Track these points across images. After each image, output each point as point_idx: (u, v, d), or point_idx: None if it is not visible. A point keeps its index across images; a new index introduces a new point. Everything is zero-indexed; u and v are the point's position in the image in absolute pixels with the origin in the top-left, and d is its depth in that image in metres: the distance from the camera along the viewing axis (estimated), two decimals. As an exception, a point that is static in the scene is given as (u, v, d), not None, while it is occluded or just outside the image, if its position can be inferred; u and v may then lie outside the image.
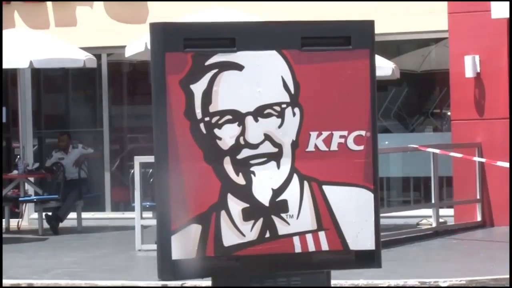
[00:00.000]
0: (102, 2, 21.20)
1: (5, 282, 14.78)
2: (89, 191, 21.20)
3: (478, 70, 18.81)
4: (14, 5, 21.68)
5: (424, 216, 18.87)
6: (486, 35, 18.71)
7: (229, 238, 10.12)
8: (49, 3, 21.54)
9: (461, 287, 13.69)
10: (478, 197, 18.92)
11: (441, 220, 18.63)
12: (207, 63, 10.05)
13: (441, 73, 19.66)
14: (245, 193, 10.11)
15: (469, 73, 18.82)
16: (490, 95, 18.85)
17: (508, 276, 13.78)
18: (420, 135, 20.11)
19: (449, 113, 19.45)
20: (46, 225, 20.42)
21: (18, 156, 21.87)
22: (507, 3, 18.20)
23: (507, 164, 18.02)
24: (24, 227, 21.27)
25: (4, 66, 20.17)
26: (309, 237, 10.23)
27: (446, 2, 19.03)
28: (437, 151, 18.34)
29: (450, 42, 19.15)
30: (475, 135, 18.86)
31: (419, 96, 20.76)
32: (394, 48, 19.56)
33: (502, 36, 18.71)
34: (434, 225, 18.46)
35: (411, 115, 20.59)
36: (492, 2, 18.28)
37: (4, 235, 20.31)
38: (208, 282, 11.13)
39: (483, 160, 18.60)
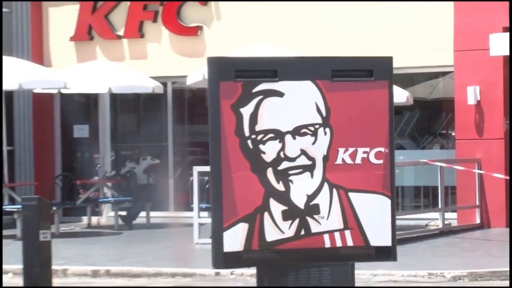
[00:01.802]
0: (168, 39, 21.23)
1: (86, 268, 14.82)
2: (156, 194, 21.22)
3: (478, 99, 18.72)
4: (96, 41, 21.73)
5: (432, 218, 18.77)
6: (485, 69, 18.62)
7: (271, 234, 10.08)
8: (124, 40, 21.58)
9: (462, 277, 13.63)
10: (477, 203, 18.81)
11: (446, 222, 18.54)
12: (254, 90, 10.01)
13: (447, 100, 19.56)
14: (284, 197, 10.07)
15: (471, 101, 18.74)
16: (488, 119, 18.76)
17: (503, 269, 13.68)
18: (429, 151, 20.02)
19: (453, 134, 19.36)
20: (120, 222, 20.48)
21: (98, 165, 21.91)
22: (505, 43, 18.10)
23: (502, 176, 17.98)
24: (102, 224, 21.33)
25: (88, 91, 20.22)
26: (337, 234, 10.17)
27: (452, 41, 18.94)
28: (443, 164, 18.31)
29: (455, 75, 19.06)
30: (475, 152, 18.77)
31: (428, 119, 20.65)
32: (408, 79, 19.46)
33: (498, 70, 18.63)
34: (440, 226, 18.39)
35: (422, 135, 20.50)
36: (490, 42, 18.20)
37: (85, 230, 20.37)
38: (253, 270, 11.11)
39: (482, 172, 18.53)
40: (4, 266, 14.86)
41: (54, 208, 19.10)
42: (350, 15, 19.87)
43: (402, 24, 19.47)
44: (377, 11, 19.70)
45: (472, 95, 18.71)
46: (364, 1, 19.70)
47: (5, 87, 19.02)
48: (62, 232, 19.33)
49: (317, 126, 10.04)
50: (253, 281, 10.94)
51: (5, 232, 19.12)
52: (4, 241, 18.32)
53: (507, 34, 18.22)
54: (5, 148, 20.67)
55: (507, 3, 18.36)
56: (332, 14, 19.98)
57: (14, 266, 14.41)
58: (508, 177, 17.94)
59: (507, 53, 18.22)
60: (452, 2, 18.97)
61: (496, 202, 18.70)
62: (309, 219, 10.02)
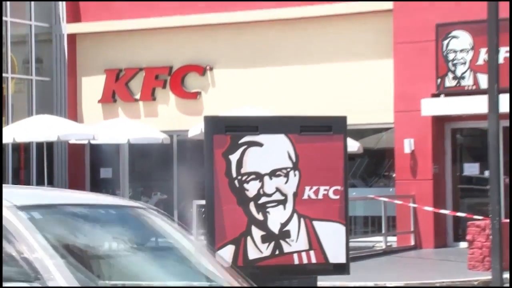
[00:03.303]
0: (174, 101, 21.23)
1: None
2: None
3: (413, 148, 18.74)
4: (119, 103, 21.72)
5: (377, 241, 18.72)
6: (418, 126, 18.65)
7: (252, 254, 10.01)
8: (140, 102, 21.57)
9: (401, 287, 13.56)
10: (412, 229, 18.77)
11: (388, 244, 18.51)
12: (240, 141, 10.00)
13: (389, 149, 19.57)
14: (263, 225, 10.02)
15: (407, 150, 18.75)
16: (420, 164, 18.78)
17: (432, 281, 13.62)
18: (375, 189, 19.98)
19: (394, 175, 19.35)
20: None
21: (119, 199, 21.84)
22: (433, 106, 18.12)
23: (430, 208, 17.97)
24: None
25: (111, 142, 20.16)
26: (303, 254, 10.11)
27: (392, 104, 18.97)
28: (386, 199, 18.29)
29: (395, 130, 19.08)
30: (411, 190, 18.75)
31: (375, 164, 20.65)
32: (359, 133, 19.48)
33: (428, 127, 18.67)
34: (383, 247, 18.34)
35: (369, 176, 20.49)
36: (422, 105, 18.24)
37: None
38: (238, 282, 11.05)
39: (415, 205, 18.52)
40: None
41: (84, 232, 18.98)
42: (316, 84, 19.93)
43: (355, 91, 19.53)
44: (336, 81, 19.77)
45: (408, 146, 18.73)
46: (326, 75, 19.78)
47: (47, 138, 18.97)
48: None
49: (288, 169, 10.04)
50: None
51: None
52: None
53: (435, 99, 18.30)
54: (46, 186, 20.58)
55: (435, 74, 18.43)
56: (301, 82, 20.03)
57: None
58: (436, 210, 17.93)
59: (435, 113, 18.28)
60: (392, 74, 19.05)
61: (426, 229, 18.69)
62: (282, 242, 9.98)
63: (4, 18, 21.05)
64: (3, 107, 21.11)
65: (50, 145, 20.98)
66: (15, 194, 4.61)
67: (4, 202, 4.27)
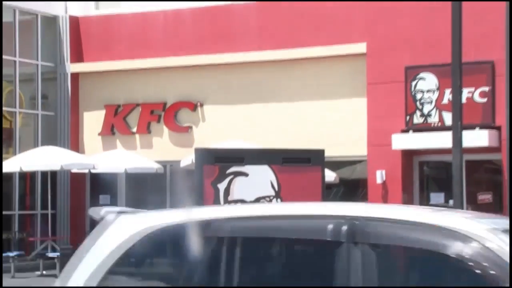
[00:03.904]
0: (167, 134, 21.20)
1: None
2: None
3: (384, 179, 18.74)
4: (117, 136, 21.67)
5: (352, 263, 18.68)
6: (389, 158, 18.66)
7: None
8: (137, 135, 21.53)
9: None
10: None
11: (362, 266, 18.44)
12: (227, 171, 9.97)
13: (363, 180, 19.56)
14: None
15: (379, 180, 18.76)
16: (391, 193, 18.74)
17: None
18: (350, 215, 19.96)
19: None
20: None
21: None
22: (402, 141, 18.14)
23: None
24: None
25: (110, 171, 20.08)
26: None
27: (366, 139, 18.98)
28: (360, 225, 18.27)
29: (368, 162, 19.09)
30: (383, 216, 18.74)
31: (350, 193, 20.61)
32: (335, 164, 19.46)
33: (398, 160, 18.67)
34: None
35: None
36: (392, 140, 18.25)
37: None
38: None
39: (387, 231, 18.50)
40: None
41: (84, 254, 18.85)
42: (297, 119, 19.94)
43: (332, 126, 19.54)
44: (315, 117, 19.79)
45: (379, 176, 18.73)
46: (306, 111, 19.81)
47: (51, 168, 18.94)
48: (89, 271, 19.06)
49: (271, 197, 10.01)
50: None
51: (46, 272, 18.83)
52: (46, 279, 18.04)
53: (405, 135, 18.33)
54: (50, 212, 20.51)
55: (404, 112, 18.47)
56: (283, 117, 20.04)
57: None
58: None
59: (404, 147, 18.31)
60: (365, 111, 19.09)
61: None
62: (265, 264, 9.95)
63: (13, 58, 21.04)
64: (11, 139, 21.05)
65: (53, 173, 20.89)
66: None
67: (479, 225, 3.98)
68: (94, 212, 4.54)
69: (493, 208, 18.51)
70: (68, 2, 22.15)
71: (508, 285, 3.75)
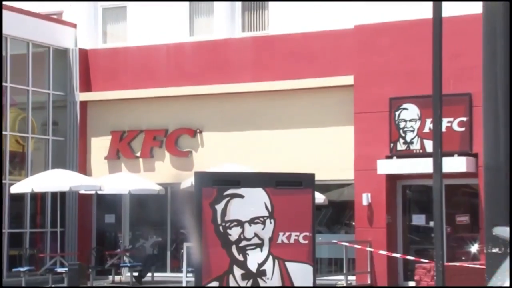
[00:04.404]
0: (169, 159, 21.19)
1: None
2: (158, 261, 20.94)
3: (370, 201, 18.72)
4: (122, 160, 21.65)
5: (339, 279, 18.60)
6: (374, 182, 18.66)
7: (233, 290, 9.90)
8: (140, 159, 21.51)
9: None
10: (368, 269, 18.67)
11: (348, 282, 18.37)
12: (224, 193, 9.95)
13: (350, 202, 19.56)
14: (243, 265, 9.94)
15: (365, 202, 18.73)
16: (376, 215, 18.75)
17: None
18: (338, 235, 19.92)
19: (354, 224, 19.31)
20: (134, 280, 20.11)
21: (120, 241, 21.65)
22: (387, 166, 18.14)
23: (385, 252, 17.88)
24: (122, 281, 20.94)
25: (115, 192, 20.04)
26: (277, 290, 10.02)
27: (353, 164, 18.98)
28: (347, 244, 18.19)
29: (355, 186, 19.09)
30: (368, 236, 18.70)
31: (338, 213, 20.62)
32: (325, 187, 19.49)
33: (382, 183, 18.66)
34: (345, 285, 18.21)
35: (333, 224, 20.44)
36: (378, 165, 18.26)
37: (111, 285, 19.98)
38: (221, 313, 10.89)
39: (372, 250, 18.43)
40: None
41: (90, 270, 18.78)
42: (289, 145, 19.96)
43: (321, 152, 19.58)
44: (306, 143, 19.82)
45: (365, 199, 18.72)
46: (298, 138, 19.83)
47: (60, 189, 18.89)
48: (95, 286, 18.97)
49: (265, 218, 9.98)
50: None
51: (55, 286, 18.72)
52: (56, 292, 17.95)
53: (389, 160, 18.34)
54: (59, 230, 20.44)
55: (388, 139, 18.50)
56: (277, 143, 20.07)
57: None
58: (389, 253, 17.85)
59: (388, 172, 18.31)
60: (352, 138, 19.11)
61: (381, 269, 18.57)
62: (259, 279, 9.89)
63: (26, 87, 21.07)
64: (23, 163, 21.03)
65: (62, 194, 20.85)
66: None
67: None
68: (500, 231, 4.48)
69: (470, 229, 18.53)
70: (78, 36, 22.22)
71: None
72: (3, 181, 20.04)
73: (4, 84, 20.39)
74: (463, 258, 17.79)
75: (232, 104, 20.56)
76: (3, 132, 20.33)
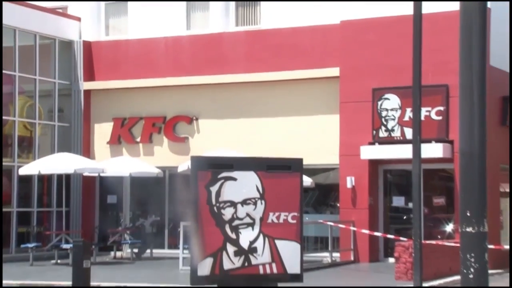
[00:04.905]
0: (167, 144, 21.20)
1: (111, 284, 14.49)
2: (156, 239, 20.97)
3: (353, 184, 18.78)
4: (123, 144, 21.64)
5: (325, 256, 18.69)
6: (358, 167, 18.73)
7: (227, 265, 9.95)
8: (140, 144, 21.51)
9: (343, 294, 13.52)
10: (352, 247, 18.77)
11: (333, 259, 18.47)
12: (219, 176, 9.98)
13: (335, 184, 19.62)
14: (235, 242, 9.98)
15: (349, 185, 18.80)
16: (359, 197, 18.82)
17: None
18: (324, 215, 20.00)
19: (338, 205, 19.39)
20: (134, 256, 20.16)
21: (122, 220, 21.67)
22: (369, 152, 18.20)
23: (367, 231, 17.97)
24: (123, 257, 21.00)
25: (116, 174, 20.06)
26: (267, 266, 10.08)
27: (338, 149, 19.03)
28: (332, 223, 18.27)
29: (340, 169, 19.15)
30: (351, 216, 18.79)
31: (324, 195, 20.70)
32: (312, 171, 19.57)
33: (365, 168, 18.73)
34: (330, 261, 18.31)
35: (320, 205, 20.50)
36: (361, 151, 18.30)
37: (112, 260, 20.04)
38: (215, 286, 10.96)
39: (355, 229, 18.53)
40: (59, 282, 14.55)
41: (93, 246, 18.82)
42: (279, 132, 20.00)
43: (309, 138, 19.63)
44: (295, 131, 19.85)
45: (349, 182, 18.78)
46: (287, 125, 19.85)
47: (65, 171, 18.88)
48: (97, 262, 19.03)
49: (257, 199, 10.03)
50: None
51: (61, 261, 18.78)
52: (60, 267, 17.99)
53: (371, 146, 18.39)
54: (64, 209, 20.46)
55: (371, 127, 18.55)
56: (268, 130, 20.10)
57: (66, 282, 14.15)
58: (370, 232, 17.94)
59: (371, 157, 18.36)
60: (338, 126, 19.16)
61: (363, 247, 18.67)
62: (250, 256, 9.94)
63: (33, 76, 21.02)
64: (31, 147, 21.01)
65: (68, 176, 20.86)
66: None
67: None
68: None
69: (446, 210, 18.63)
70: (82, 29, 22.16)
71: None
72: (12, 164, 20.07)
73: (13, 73, 20.35)
74: (439, 236, 17.91)
75: (226, 94, 20.57)
76: (12, 118, 20.32)
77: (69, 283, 12.66)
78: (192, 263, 9.87)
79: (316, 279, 15.04)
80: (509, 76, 18.59)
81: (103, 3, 22.38)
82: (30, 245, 19.08)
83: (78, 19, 22.15)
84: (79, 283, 11.59)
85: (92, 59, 22.07)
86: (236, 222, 9.97)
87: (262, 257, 10.15)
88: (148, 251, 20.50)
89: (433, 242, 15.98)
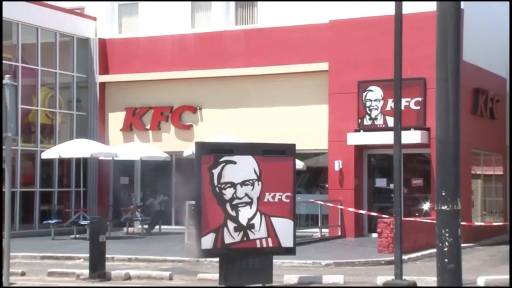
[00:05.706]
0: (174, 131, 21.16)
1: (124, 256, 14.49)
2: (165, 216, 20.99)
3: (341, 167, 18.78)
4: (134, 131, 21.60)
5: (315, 232, 18.70)
6: (345, 152, 18.72)
7: (228, 239, 9.99)
8: (150, 131, 21.48)
9: (331, 264, 13.55)
10: (339, 223, 18.77)
11: (322, 234, 18.48)
12: (220, 160, 10.01)
13: (324, 167, 19.62)
14: (235, 219, 10.01)
15: (337, 168, 18.79)
16: (346, 178, 18.81)
17: (351, 260, 13.59)
18: (314, 195, 19.98)
19: (327, 186, 19.39)
20: (144, 231, 20.16)
21: (133, 199, 21.68)
22: (355, 138, 18.17)
23: (352, 209, 17.98)
24: (135, 232, 21.00)
25: (128, 158, 20.02)
26: (264, 240, 10.11)
27: (327, 136, 18.99)
28: (321, 202, 18.29)
29: (328, 154, 19.14)
30: (339, 196, 18.79)
31: (314, 177, 20.66)
32: (304, 155, 19.55)
33: (351, 152, 18.70)
34: (319, 236, 18.32)
35: (310, 186, 20.48)
36: (348, 137, 18.27)
37: (125, 235, 20.06)
38: (217, 259, 10.98)
39: (342, 207, 18.54)
40: (78, 254, 14.57)
41: (108, 223, 18.83)
42: (275, 121, 19.97)
43: (301, 126, 19.60)
44: (288, 119, 19.82)
45: (337, 165, 18.78)
46: (282, 114, 19.82)
47: (83, 155, 18.84)
48: (112, 236, 19.04)
49: (254, 180, 10.06)
50: (217, 265, 10.94)
51: (79, 235, 18.80)
52: (78, 241, 18.01)
53: (357, 133, 18.37)
54: (82, 189, 20.45)
55: (356, 116, 18.52)
56: (264, 119, 20.07)
57: (83, 255, 14.18)
58: (356, 210, 17.94)
59: (356, 143, 18.34)
60: (327, 115, 19.11)
61: (349, 223, 18.69)
62: (249, 231, 9.98)
63: (54, 70, 20.97)
64: (52, 133, 20.98)
65: (85, 160, 20.84)
66: None
67: None
68: None
69: (423, 190, 18.66)
70: (97, 28, 22.09)
71: None
72: (35, 149, 20.04)
73: (36, 67, 20.32)
74: (417, 214, 17.94)
75: (227, 86, 20.54)
76: (35, 108, 20.30)
77: (87, 255, 12.68)
78: (197, 238, 9.90)
79: (307, 252, 15.06)
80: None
81: (116, 4, 22.29)
82: (51, 222, 19.11)
83: (94, 18, 22.09)
84: (96, 255, 11.61)
85: (107, 54, 22.00)
86: (236, 201, 10.01)
87: (259, 233, 10.20)
88: (157, 227, 20.52)
89: (412, 219, 16.01)
